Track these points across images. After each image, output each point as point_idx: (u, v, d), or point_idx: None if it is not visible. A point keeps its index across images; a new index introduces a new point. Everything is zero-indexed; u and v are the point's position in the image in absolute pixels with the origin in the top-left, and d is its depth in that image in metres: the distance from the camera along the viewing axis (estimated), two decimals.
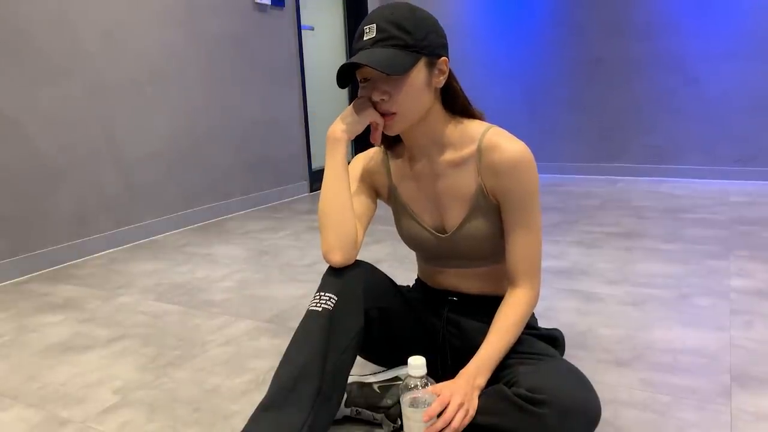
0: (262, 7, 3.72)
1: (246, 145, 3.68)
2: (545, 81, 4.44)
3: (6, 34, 2.39)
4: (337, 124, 1.09)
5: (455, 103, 1.13)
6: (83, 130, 2.71)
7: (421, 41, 1.02)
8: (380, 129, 1.09)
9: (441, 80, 1.08)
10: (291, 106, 4.04)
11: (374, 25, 1.03)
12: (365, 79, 1.07)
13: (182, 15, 3.17)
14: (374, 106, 1.07)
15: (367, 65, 0.99)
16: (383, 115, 1.07)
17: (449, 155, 1.14)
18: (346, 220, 1.08)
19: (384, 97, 1.05)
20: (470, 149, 1.12)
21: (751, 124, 3.83)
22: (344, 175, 1.10)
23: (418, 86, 1.04)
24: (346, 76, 1.08)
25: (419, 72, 1.04)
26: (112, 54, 2.82)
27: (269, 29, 3.80)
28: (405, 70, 1.01)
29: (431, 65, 1.06)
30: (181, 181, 3.24)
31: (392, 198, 1.25)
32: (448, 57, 1.09)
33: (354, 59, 1.01)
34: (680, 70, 3.98)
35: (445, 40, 1.09)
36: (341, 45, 4.83)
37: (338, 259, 1.08)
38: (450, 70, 1.10)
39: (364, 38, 1.04)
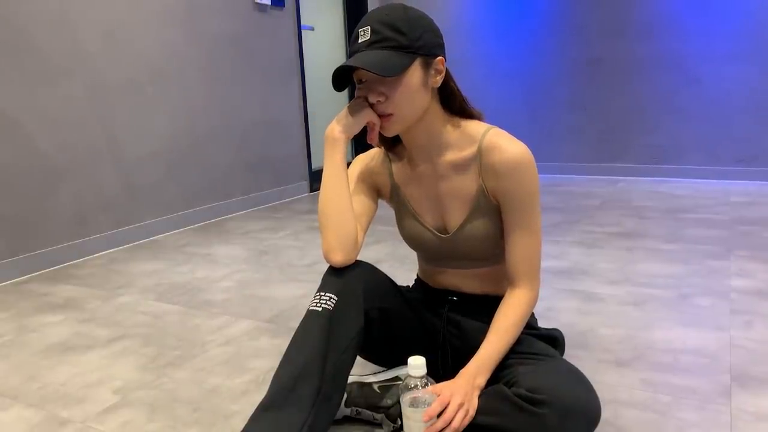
0: (262, 7, 3.72)
1: (246, 145, 3.68)
2: (545, 81, 4.44)
3: (6, 34, 2.39)
4: (334, 125, 1.09)
5: (453, 102, 1.13)
6: (83, 130, 2.71)
7: (416, 41, 1.02)
8: (377, 129, 1.09)
9: (438, 80, 1.08)
10: (291, 106, 4.04)
11: (368, 27, 1.03)
12: (361, 81, 1.07)
13: (182, 15, 3.17)
14: (371, 106, 1.07)
15: (361, 68, 0.99)
16: (380, 115, 1.07)
17: (450, 156, 1.14)
18: (346, 220, 1.08)
19: (380, 99, 1.04)
20: (471, 150, 1.11)
21: (753, 124, 3.83)
22: (343, 175, 1.10)
23: (414, 86, 1.04)
24: (342, 80, 1.08)
25: (415, 72, 1.03)
26: (113, 54, 2.82)
27: (269, 29, 3.80)
28: (400, 70, 1.01)
29: (427, 65, 1.05)
30: (181, 181, 3.24)
31: (394, 198, 1.25)
32: (444, 57, 1.08)
33: (348, 62, 1.01)
34: (682, 71, 3.98)
35: (442, 40, 1.09)
36: (341, 45, 4.83)
37: (338, 259, 1.08)
38: (447, 69, 1.09)
39: (359, 41, 1.04)
